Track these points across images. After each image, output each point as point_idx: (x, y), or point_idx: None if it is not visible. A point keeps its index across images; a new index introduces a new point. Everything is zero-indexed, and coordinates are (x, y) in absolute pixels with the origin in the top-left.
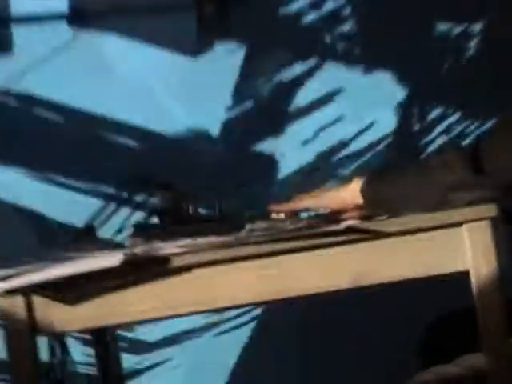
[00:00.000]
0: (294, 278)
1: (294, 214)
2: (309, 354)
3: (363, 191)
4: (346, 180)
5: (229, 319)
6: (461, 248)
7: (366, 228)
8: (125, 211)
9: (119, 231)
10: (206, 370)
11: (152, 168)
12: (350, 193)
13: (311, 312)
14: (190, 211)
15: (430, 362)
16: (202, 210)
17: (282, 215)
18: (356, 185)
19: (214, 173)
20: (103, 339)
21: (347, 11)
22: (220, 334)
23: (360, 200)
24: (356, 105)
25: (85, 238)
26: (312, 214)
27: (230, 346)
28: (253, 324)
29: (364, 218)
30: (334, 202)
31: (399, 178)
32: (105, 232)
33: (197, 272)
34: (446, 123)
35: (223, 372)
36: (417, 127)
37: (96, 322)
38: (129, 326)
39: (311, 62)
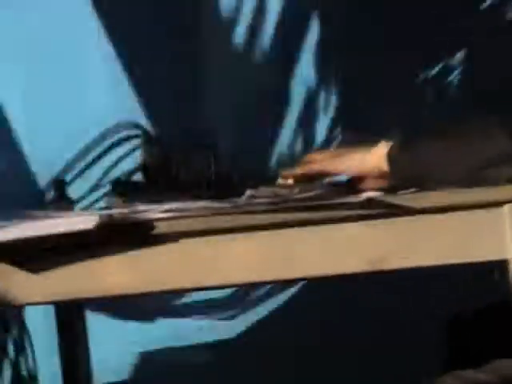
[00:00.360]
0: (300, 256)
1: (307, 179)
2: (321, 348)
3: (390, 156)
4: (373, 142)
5: None
6: (500, 232)
7: (389, 202)
8: (103, 165)
9: (95, 189)
10: None
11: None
12: (376, 157)
13: (321, 300)
14: (181, 170)
15: (452, 363)
16: (194, 170)
17: (291, 181)
18: (383, 148)
19: (212, 127)
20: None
21: None
22: None
23: (385, 166)
24: None
25: (52, 197)
26: (327, 180)
27: None
28: None
29: (388, 190)
30: (355, 166)
31: (432, 145)
32: (77, 189)
33: (184, 242)
34: None
35: None
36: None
37: (63, 295)
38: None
39: None
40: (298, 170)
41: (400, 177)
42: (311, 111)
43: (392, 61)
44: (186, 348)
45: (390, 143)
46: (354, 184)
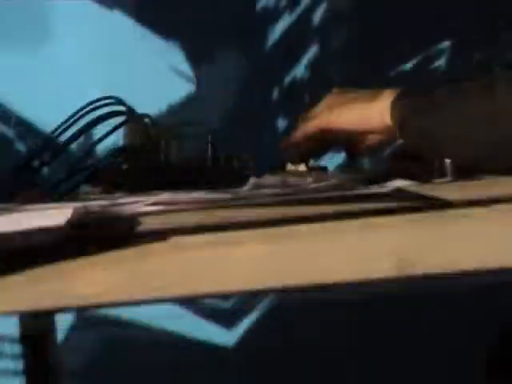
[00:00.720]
0: (314, 258)
1: (309, 142)
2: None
3: (394, 110)
4: (376, 91)
5: None
6: None
7: (422, 193)
8: (78, 148)
9: (68, 177)
10: None
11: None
12: (379, 109)
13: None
14: (171, 154)
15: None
16: (187, 154)
17: (303, 167)
18: (387, 99)
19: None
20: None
21: None
22: None
23: (389, 121)
24: None
25: (17, 185)
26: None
27: None
28: None
29: (419, 177)
30: (356, 120)
31: (449, 98)
32: (46, 177)
33: (176, 242)
34: None
35: None
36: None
37: (28, 305)
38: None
39: None
40: (297, 133)
41: (405, 135)
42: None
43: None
44: None
45: (396, 93)
46: (353, 144)
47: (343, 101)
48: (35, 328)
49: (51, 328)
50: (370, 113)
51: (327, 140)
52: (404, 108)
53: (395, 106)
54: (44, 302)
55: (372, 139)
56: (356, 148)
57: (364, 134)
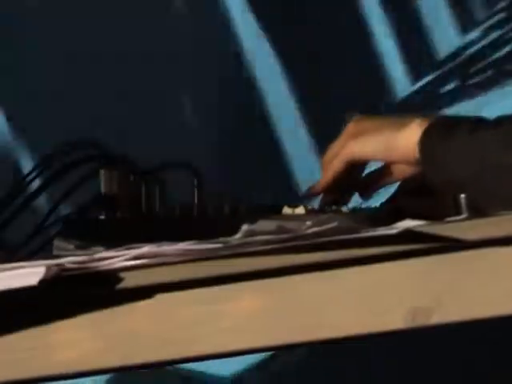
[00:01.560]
0: (317, 311)
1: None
2: None
3: (422, 144)
4: (404, 118)
5: None
6: None
7: (434, 233)
8: (50, 197)
9: (38, 230)
10: None
11: (98, 132)
12: (407, 137)
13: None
14: (154, 202)
15: None
16: (172, 199)
17: (301, 210)
18: (418, 126)
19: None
20: None
21: None
22: None
23: (417, 154)
24: None
25: None
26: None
27: None
28: None
29: (431, 216)
30: (382, 150)
31: (483, 134)
32: (15, 231)
33: (161, 299)
34: None
35: None
36: None
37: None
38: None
39: None
40: (326, 174)
41: (433, 175)
42: None
43: None
44: None
45: (428, 120)
46: (376, 177)
47: (367, 128)
48: None
49: None
50: (397, 141)
51: (354, 174)
52: (433, 138)
53: (424, 137)
54: (14, 373)
55: (399, 172)
56: (377, 183)
57: (390, 166)
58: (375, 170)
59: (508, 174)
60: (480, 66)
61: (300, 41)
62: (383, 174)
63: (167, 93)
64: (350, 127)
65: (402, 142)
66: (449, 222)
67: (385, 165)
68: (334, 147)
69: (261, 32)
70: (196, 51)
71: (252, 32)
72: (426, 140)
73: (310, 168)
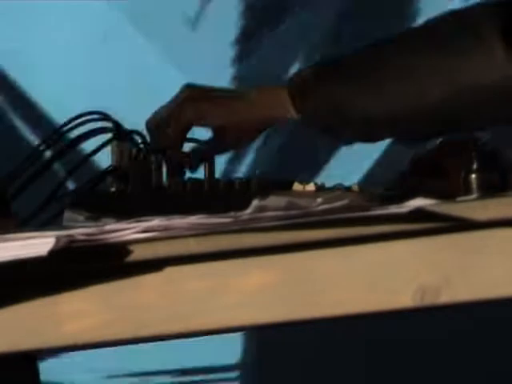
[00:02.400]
0: (326, 287)
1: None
2: None
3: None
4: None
5: None
6: None
7: (445, 213)
8: (60, 169)
9: (49, 201)
10: None
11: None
12: (250, 101)
13: None
14: (164, 174)
15: None
16: (183, 174)
17: (312, 187)
18: (260, 92)
19: None
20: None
21: None
22: None
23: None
24: None
25: None
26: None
27: None
28: None
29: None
30: (228, 113)
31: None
32: (25, 202)
33: (171, 272)
34: None
35: None
36: None
37: (6, 346)
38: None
39: None
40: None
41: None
42: None
43: None
44: None
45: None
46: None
47: (203, 94)
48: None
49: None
50: (239, 104)
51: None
52: (309, 76)
53: (296, 75)
54: (23, 343)
55: (232, 139)
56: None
57: (222, 134)
58: (205, 141)
59: (372, 123)
60: None
61: None
62: (215, 143)
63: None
64: (185, 93)
65: (245, 104)
66: (459, 201)
67: (215, 134)
68: (168, 111)
69: None
70: None
71: None
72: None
73: None
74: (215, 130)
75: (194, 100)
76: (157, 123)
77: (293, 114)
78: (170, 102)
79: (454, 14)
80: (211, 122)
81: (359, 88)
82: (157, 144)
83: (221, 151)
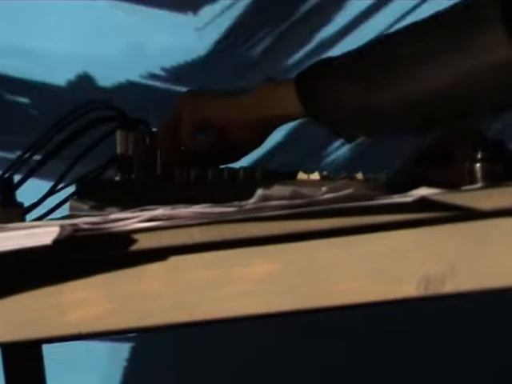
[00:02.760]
0: (330, 277)
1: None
2: None
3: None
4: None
5: None
6: None
7: (449, 202)
8: (64, 158)
9: (54, 190)
10: None
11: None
12: (255, 99)
13: None
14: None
15: None
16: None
17: (316, 176)
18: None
19: None
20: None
21: None
22: None
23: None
24: None
25: None
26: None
27: None
28: None
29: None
30: (230, 111)
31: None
32: (30, 191)
33: (175, 261)
34: None
35: None
36: None
37: (10, 335)
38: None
39: None
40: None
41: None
42: None
43: None
44: None
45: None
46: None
47: (205, 96)
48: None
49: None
50: (242, 101)
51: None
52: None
53: (303, 71)
54: (27, 332)
55: (241, 135)
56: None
57: (234, 128)
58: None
59: (369, 114)
60: None
61: None
62: (219, 147)
63: None
64: (186, 95)
65: (251, 101)
66: (464, 190)
67: (218, 138)
68: (172, 116)
69: None
70: None
71: None
72: (303, 88)
73: None
74: (219, 133)
75: (196, 98)
76: (164, 134)
77: (301, 110)
78: (173, 109)
79: (459, 4)
80: (215, 120)
81: (366, 81)
82: (167, 157)
83: (225, 157)
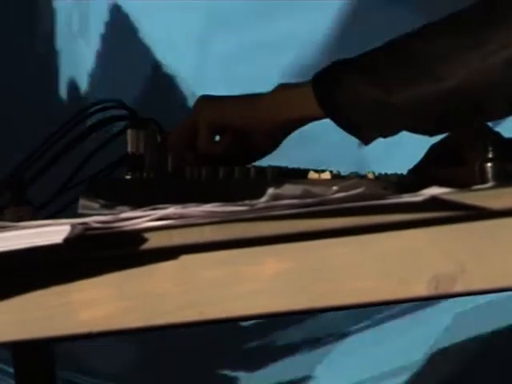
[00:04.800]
0: (340, 276)
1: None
2: None
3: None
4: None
5: None
6: None
7: (460, 201)
8: (75, 157)
9: (65, 188)
10: None
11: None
12: (269, 103)
13: None
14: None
15: None
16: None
17: (327, 175)
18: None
19: None
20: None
21: None
22: None
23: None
24: None
25: (6, 201)
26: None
27: None
28: None
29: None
30: (246, 113)
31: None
32: (40, 190)
33: (184, 260)
34: None
35: None
36: None
37: (21, 334)
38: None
39: None
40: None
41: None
42: None
43: None
44: None
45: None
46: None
47: (219, 99)
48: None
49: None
50: (259, 104)
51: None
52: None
53: (320, 72)
54: (38, 331)
55: (258, 138)
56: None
57: (251, 131)
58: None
59: (387, 113)
60: None
61: None
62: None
63: None
64: (202, 101)
65: (268, 102)
66: (474, 190)
67: (235, 141)
68: (188, 121)
69: None
70: None
71: None
72: (320, 89)
73: None
74: (235, 136)
75: (213, 102)
76: (180, 138)
77: (318, 111)
78: (189, 113)
79: (474, 3)
80: (232, 123)
81: (384, 80)
82: (181, 161)
83: (241, 160)
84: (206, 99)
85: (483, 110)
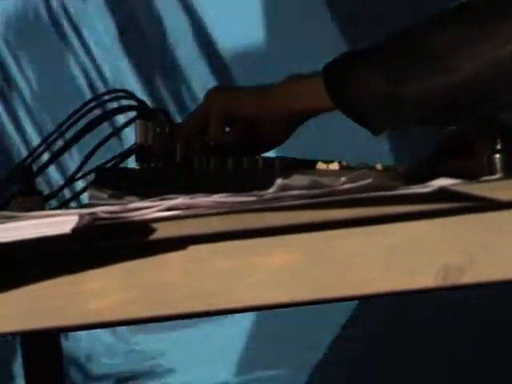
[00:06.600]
0: (348, 267)
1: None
2: None
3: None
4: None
5: None
6: None
7: (469, 193)
8: (83, 147)
9: (73, 178)
10: None
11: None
12: (281, 94)
13: None
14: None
15: None
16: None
17: (335, 166)
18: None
19: None
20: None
21: None
22: None
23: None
24: None
25: (14, 190)
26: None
27: None
28: None
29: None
30: (255, 106)
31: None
32: (48, 180)
33: (194, 251)
34: None
35: None
36: None
37: (30, 324)
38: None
39: None
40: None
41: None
42: None
43: None
44: None
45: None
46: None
47: (232, 90)
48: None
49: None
50: (271, 93)
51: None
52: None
53: (330, 64)
54: (46, 321)
55: (268, 129)
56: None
57: (261, 122)
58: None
59: (397, 105)
60: None
61: None
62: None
63: None
64: (213, 92)
65: (276, 94)
66: (483, 181)
67: (245, 131)
68: (199, 111)
69: None
70: None
71: None
72: (331, 81)
73: None
74: (246, 127)
75: (225, 93)
76: (191, 128)
77: (328, 103)
78: (200, 104)
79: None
80: (243, 114)
81: (394, 72)
82: (188, 150)
83: (252, 151)
84: (217, 90)
85: (493, 102)
